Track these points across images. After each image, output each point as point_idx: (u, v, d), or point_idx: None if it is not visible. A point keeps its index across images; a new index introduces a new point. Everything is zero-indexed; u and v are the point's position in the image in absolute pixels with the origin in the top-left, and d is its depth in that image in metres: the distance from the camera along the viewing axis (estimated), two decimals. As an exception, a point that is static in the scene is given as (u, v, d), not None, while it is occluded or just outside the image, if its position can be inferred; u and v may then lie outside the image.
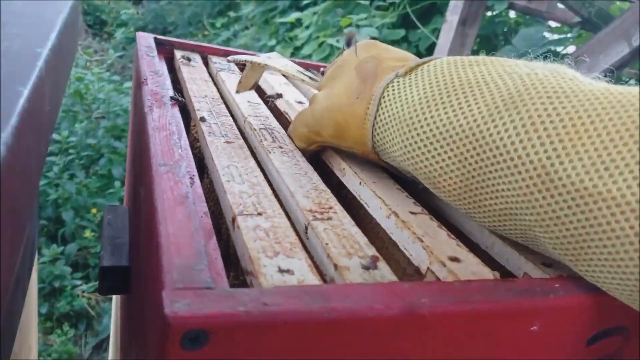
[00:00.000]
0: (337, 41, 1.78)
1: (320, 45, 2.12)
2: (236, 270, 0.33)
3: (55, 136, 2.22)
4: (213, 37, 4.40)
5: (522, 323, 0.27)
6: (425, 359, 0.24)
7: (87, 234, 2.01)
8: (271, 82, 0.63)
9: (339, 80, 0.41)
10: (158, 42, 0.66)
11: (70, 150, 2.29)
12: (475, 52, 1.99)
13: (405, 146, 0.34)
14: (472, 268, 0.29)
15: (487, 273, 0.29)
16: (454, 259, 0.30)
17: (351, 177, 0.40)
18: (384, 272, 0.28)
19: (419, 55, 1.81)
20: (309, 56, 2.27)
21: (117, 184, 2.28)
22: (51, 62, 0.35)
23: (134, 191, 0.48)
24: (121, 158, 2.50)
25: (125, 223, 0.50)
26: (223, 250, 0.36)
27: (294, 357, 0.22)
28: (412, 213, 0.35)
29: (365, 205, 0.37)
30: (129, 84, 3.53)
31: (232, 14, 4.31)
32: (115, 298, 0.79)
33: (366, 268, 0.28)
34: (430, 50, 1.68)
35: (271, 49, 3.03)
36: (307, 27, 2.41)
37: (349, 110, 0.39)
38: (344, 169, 0.41)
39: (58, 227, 2.05)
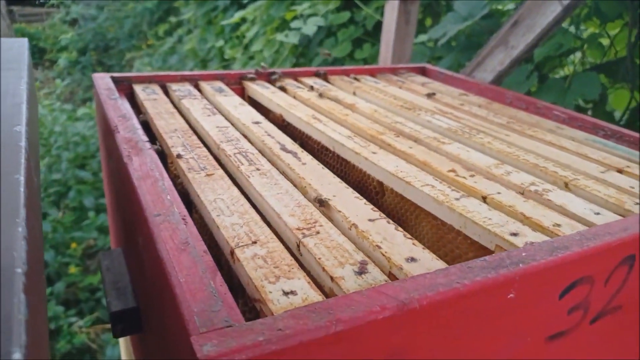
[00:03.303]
0: (286, 36, 1.78)
1: (269, 41, 2.12)
2: (243, 297, 0.36)
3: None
4: (158, 46, 4.30)
5: (500, 294, 0.31)
6: (421, 344, 0.28)
7: (72, 269, 2.00)
8: (226, 105, 0.65)
9: None
10: (116, 81, 0.67)
11: (38, 189, 2.24)
12: (420, 22, 2.02)
13: None
14: (428, 264, 0.33)
15: (440, 266, 0.33)
16: (411, 259, 0.34)
17: (313, 195, 0.43)
18: (375, 274, 0.32)
19: (368, 34, 1.84)
20: (260, 52, 2.26)
21: (92, 214, 2.26)
22: (31, 133, 0.37)
23: (127, 235, 0.50)
24: (90, 187, 2.46)
25: (122, 266, 0.53)
26: (226, 280, 0.39)
27: (313, 369, 0.25)
28: (370, 220, 0.38)
29: (328, 220, 0.40)
30: (82, 111, 3.46)
31: (173, 19, 4.22)
32: (123, 339, 0.81)
33: (358, 274, 0.32)
34: (377, 28, 1.71)
35: (220, 50, 2.99)
36: (253, 23, 2.40)
37: None
38: (304, 187, 0.44)
39: (42, 269, 2.02)
